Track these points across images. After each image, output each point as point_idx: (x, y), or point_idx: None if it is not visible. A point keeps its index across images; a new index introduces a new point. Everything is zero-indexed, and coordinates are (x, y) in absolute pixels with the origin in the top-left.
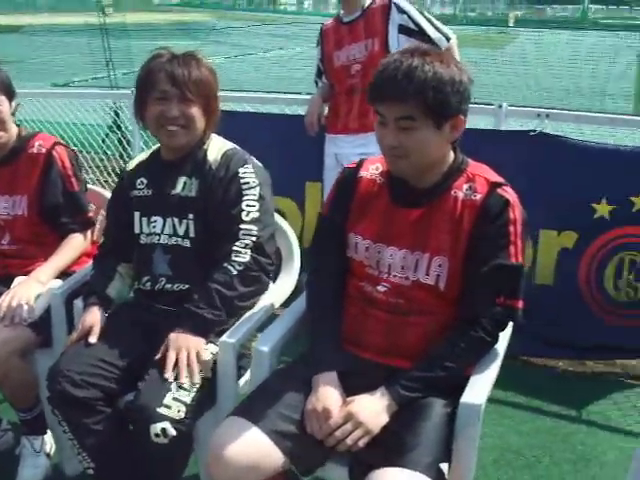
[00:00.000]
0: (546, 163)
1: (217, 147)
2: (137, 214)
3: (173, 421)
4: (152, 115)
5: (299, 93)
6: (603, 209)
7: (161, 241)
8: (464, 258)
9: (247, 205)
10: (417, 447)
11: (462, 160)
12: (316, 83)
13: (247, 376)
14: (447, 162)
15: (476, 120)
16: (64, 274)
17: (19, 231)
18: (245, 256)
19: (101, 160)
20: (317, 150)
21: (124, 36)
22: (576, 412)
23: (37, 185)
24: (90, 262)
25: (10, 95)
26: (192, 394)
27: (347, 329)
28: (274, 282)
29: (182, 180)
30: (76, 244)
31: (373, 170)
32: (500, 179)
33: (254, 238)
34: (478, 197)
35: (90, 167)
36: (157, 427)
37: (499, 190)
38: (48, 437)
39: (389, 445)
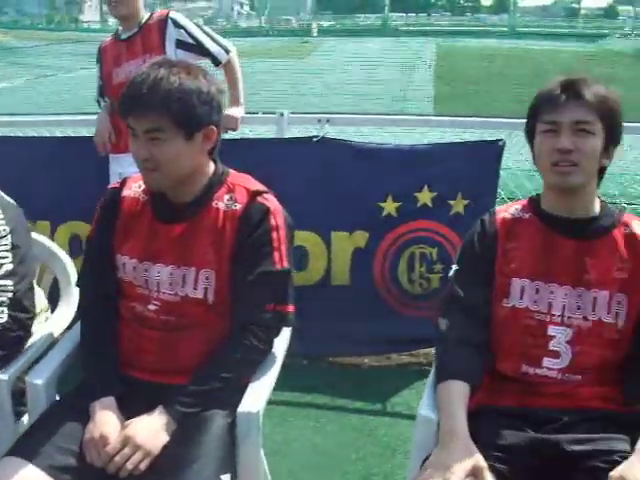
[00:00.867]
0: (331, 167)
1: None
2: None
3: None
4: None
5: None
6: (389, 207)
7: None
8: (230, 269)
9: None
10: (197, 460)
11: (222, 171)
12: (98, 102)
13: None
14: (207, 174)
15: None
16: None
17: None
18: (2, 315)
19: None
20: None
21: None
22: (381, 405)
23: None
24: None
25: None
26: None
27: (123, 351)
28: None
29: None
30: None
31: (136, 188)
32: (261, 187)
33: (10, 294)
34: (239, 207)
35: None
36: None
37: (259, 198)
38: None
39: (170, 462)
